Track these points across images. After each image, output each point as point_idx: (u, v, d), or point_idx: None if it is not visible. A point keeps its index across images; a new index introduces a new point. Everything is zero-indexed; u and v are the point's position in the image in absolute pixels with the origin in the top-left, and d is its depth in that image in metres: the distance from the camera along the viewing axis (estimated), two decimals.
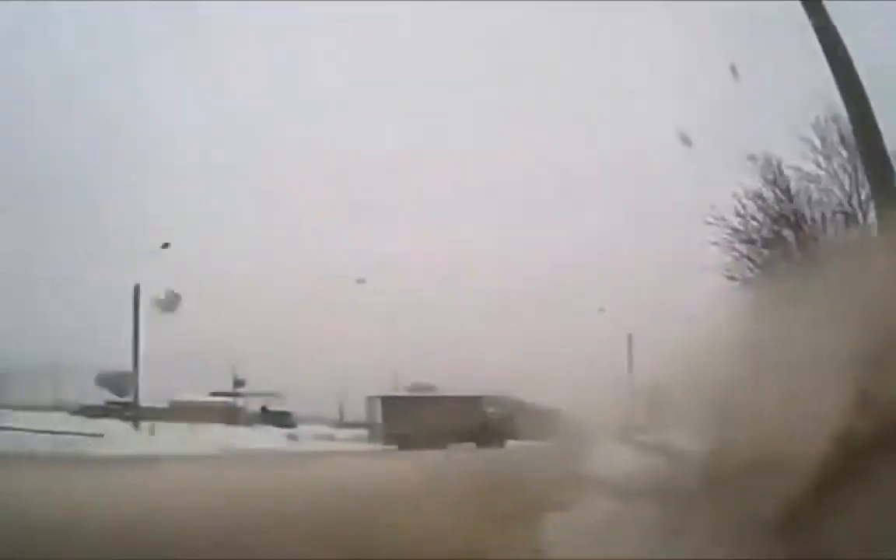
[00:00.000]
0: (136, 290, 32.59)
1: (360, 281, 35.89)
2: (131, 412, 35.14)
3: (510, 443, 32.01)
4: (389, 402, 38.15)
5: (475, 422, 34.15)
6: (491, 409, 36.36)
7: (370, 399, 39.43)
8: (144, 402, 34.81)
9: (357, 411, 46.01)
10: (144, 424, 31.58)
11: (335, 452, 29.18)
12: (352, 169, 46.47)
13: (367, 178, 45.77)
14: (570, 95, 45.14)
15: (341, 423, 45.73)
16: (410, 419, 34.23)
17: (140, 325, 32.54)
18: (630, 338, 31.01)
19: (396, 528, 6.34)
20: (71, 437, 24.21)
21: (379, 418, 38.27)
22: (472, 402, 36.02)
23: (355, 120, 50.34)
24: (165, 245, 32.92)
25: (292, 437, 38.25)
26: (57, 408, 38.99)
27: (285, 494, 9.52)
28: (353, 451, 31.67)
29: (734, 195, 22.04)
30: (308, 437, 39.02)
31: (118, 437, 26.24)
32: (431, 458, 21.79)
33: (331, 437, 40.81)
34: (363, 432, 41.16)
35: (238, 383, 41.76)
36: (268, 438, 35.30)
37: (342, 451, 31.15)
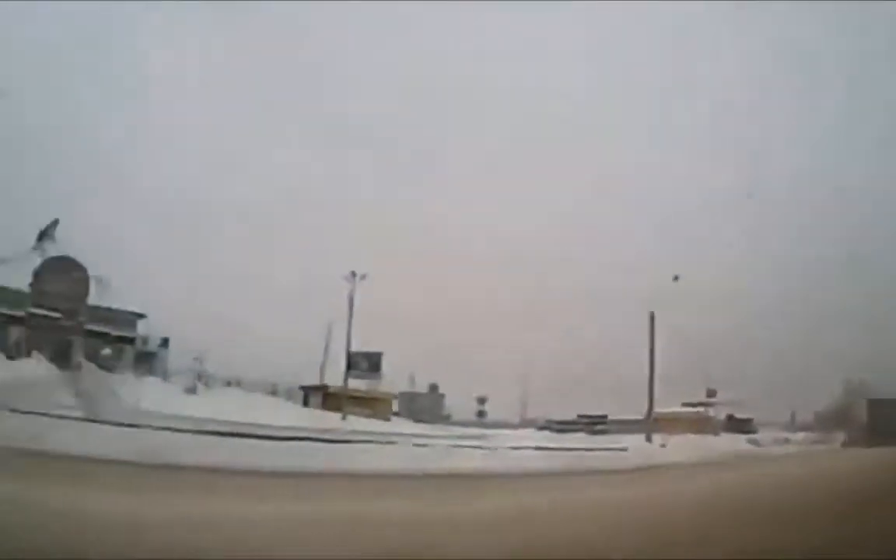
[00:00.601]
0: (652, 317, 36.23)
1: None
2: (601, 426, 39.27)
3: None
4: (875, 405, 39.06)
5: None
6: None
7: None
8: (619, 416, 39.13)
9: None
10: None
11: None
12: None
13: None
14: None
15: (793, 427, 46.11)
16: (889, 421, 35.57)
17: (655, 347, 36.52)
18: None
19: None
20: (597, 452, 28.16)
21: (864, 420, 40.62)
22: None
23: None
24: (676, 278, 37.34)
25: (753, 442, 39.65)
26: (525, 424, 45.00)
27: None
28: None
29: None
30: (767, 442, 40.01)
31: (640, 449, 29.62)
32: None
33: (786, 440, 41.48)
34: (813, 435, 43.51)
35: (710, 393, 43.76)
36: (734, 443, 37.02)
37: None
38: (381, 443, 29.69)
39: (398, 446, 28.59)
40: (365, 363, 44.63)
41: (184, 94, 53.09)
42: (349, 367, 44.13)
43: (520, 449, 28.48)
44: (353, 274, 42.23)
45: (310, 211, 53.27)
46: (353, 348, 43.90)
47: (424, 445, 29.07)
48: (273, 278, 50.62)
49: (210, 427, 24.87)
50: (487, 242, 51.58)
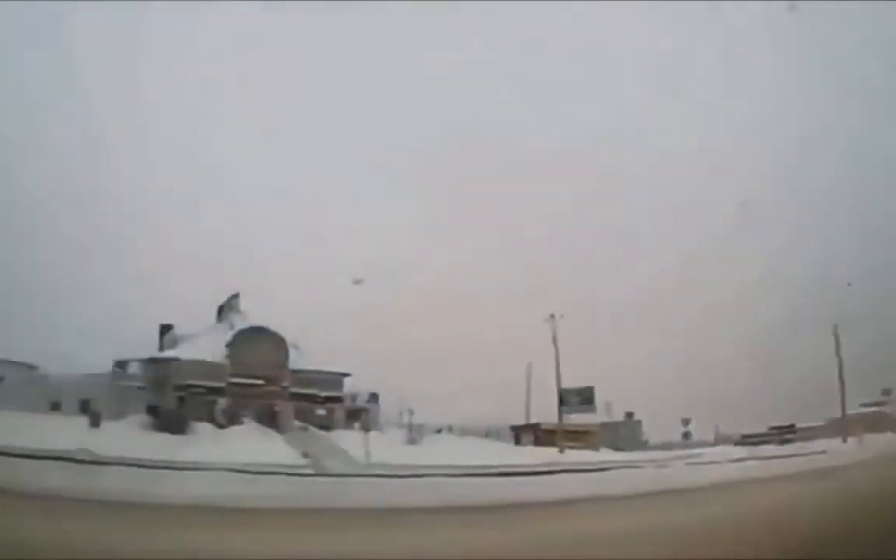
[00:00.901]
0: (835, 329, 43.58)
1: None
2: (790, 435, 44.61)
3: None
4: None
5: None
6: None
7: None
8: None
9: None
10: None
11: None
12: None
13: None
14: None
15: None
16: None
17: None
18: None
19: None
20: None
21: None
22: None
23: None
24: (849, 284, 43.23)
25: None
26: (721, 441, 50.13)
27: None
28: None
29: None
30: None
31: (837, 451, 35.85)
32: None
33: None
34: None
35: (886, 392, 48.05)
36: None
37: None
38: (627, 468, 36.52)
39: (644, 469, 35.57)
40: (577, 398, 47.06)
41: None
42: (561, 403, 47.28)
43: (741, 460, 35.46)
44: (552, 316, 46.05)
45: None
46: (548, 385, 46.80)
47: (664, 466, 36.09)
48: (470, 327, 51.16)
49: (468, 471, 28.66)
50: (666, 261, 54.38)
